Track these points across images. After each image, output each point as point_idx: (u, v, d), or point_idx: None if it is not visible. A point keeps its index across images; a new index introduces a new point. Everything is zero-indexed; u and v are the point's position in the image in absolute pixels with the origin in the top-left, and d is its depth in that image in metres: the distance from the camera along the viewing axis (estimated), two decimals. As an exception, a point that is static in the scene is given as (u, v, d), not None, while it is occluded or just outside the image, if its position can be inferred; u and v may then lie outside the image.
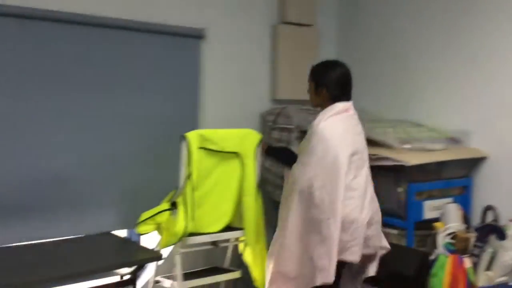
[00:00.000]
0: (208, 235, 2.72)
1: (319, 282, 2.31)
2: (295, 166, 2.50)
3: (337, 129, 2.43)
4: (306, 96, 3.53)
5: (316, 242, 2.31)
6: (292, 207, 2.41)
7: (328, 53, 3.82)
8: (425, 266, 2.53)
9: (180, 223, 2.52)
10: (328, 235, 2.27)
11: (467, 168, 2.97)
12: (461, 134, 3.00)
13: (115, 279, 2.65)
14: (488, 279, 2.41)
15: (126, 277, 2.61)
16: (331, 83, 2.48)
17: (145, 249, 2.66)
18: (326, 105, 2.49)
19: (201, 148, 2.66)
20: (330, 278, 2.26)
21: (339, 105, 2.48)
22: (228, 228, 2.82)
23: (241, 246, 2.86)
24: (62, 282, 2.23)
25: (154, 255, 2.53)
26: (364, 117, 3.50)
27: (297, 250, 2.39)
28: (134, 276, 2.59)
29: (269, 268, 2.50)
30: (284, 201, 2.53)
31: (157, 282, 2.77)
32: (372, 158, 2.80)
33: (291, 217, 2.41)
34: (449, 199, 2.83)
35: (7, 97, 2.53)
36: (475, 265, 2.45)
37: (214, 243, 2.77)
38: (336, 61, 2.58)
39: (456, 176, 2.94)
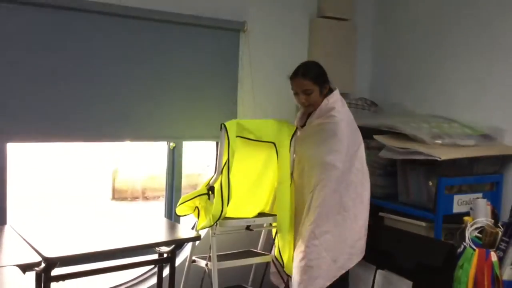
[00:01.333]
0: (242, 220, 2.86)
1: (355, 262, 2.61)
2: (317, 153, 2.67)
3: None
4: (341, 88, 3.66)
5: (350, 224, 2.56)
6: (324, 194, 2.56)
7: (364, 47, 3.89)
8: (452, 258, 2.60)
9: (217, 207, 2.66)
10: (360, 217, 2.59)
11: (498, 164, 3.01)
12: (494, 131, 3.03)
13: (153, 256, 2.83)
14: (514, 273, 2.47)
15: (165, 255, 2.79)
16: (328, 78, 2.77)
17: (184, 230, 2.82)
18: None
19: (238, 136, 2.80)
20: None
21: (338, 93, 2.77)
22: (262, 214, 2.96)
23: (274, 231, 2.99)
24: (102, 258, 2.40)
25: (192, 236, 2.68)
26: (398, 112, 3.59)
27: (332, 236, 2.56)
28: (173, 254, 2.75)
29: (299, 257, 2.62)
30: (304, 191, 2.71)
31: (193, 261, 2.93)
32: (403, 151, 2.88)
33: (324, 204, 2.56)
34: (479, 194, 2.88)
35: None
36: (501, 260, 2.51)
37: (248, 227, 2.90)
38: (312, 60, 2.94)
39: (487, 172, 2.99)
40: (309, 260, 2.61)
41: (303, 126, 2.88)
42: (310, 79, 2.73)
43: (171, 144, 3.23)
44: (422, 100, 3.54)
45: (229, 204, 2.79)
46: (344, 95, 3.67)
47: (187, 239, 2.61)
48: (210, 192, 2.76)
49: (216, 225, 2.75)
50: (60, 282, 2.57)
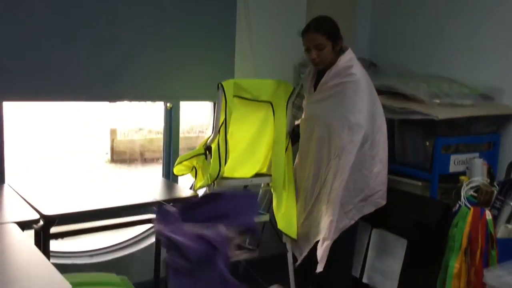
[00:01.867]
0: (239, 180, 2.88)
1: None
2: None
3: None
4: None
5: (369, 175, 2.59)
6: (352, 157, 2.54)
7: (363, 7, 3.83)
8: (448, 216, 2.63)
9: (214, 167, 2.67)
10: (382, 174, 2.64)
11: (496, 124, 3.01)
12: (492, 90, 3.02)
13: (152, 215, 2.86)
14: (507, 231, 2.50)
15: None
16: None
17: (181, 189, 2.84)
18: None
19: (235, 96, 2.78)
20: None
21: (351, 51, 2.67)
22: (260, 174, 2.97)
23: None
24: (100, 217, 2.43)
25: (191, 194, 2.70)
26: (398, 72, 3.56)
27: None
28: (171, 213, 2.78)
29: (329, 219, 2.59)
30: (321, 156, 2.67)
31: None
32: (401, 111, 2.87)
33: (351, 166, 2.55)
34: (476, 154, 2.89)
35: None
36: (496, 218, 2.54)
37: (245, 187, 2.92)
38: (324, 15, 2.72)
39: (485, 132, 2.99)
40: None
41: (315, 88, 2.76)
42: (323, 34, 2.60)
43: (168, 104, 3.21)
44: (422, 61, 3.51)
45: (226, 164, 2.81)
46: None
47: (185, 198, 2.62)
48: (207, 152, 2.77)
49: (214, 184, 2.76)
50: (59, 240, 2.62)
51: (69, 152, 7.67)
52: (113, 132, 7.69)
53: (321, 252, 2.55)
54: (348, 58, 2.64)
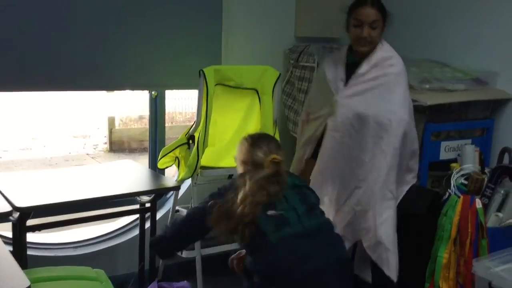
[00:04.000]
0: (223, 169, 2.81)
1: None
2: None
3: None
4: (331, 33, 3.51)
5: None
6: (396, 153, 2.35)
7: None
8: (437, 205, 2.54)
9: (194, 157, 2.61)
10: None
11: (489, 109, 2.91)
12: (486, 75, 2.91)
13: (135, 206, 2.81)
14: (498, 220, 2.42)
15: (147, 205, 2.76)
16: None
17: (165, 180, 2.78)
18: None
19: (218, 84, 2.70)
20: None
21: None
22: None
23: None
24: (80, 209, 2.38)
25: (172, 185, 2.64)
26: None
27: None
28: (154, 204, 2.73)
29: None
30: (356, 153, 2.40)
31: (177, 211, 2.91)
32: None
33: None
34: (468, 141, 2.80)
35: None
36: (486, 206, 2.46)
37: (230, 176, 2.86)
38: None
39: (478, 117, 2.89)
40: None
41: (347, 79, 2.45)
42: (380, 11, 2.37)
43: (153, 93, 3.14)
44: (415, 44, 3.39)
45: (211, 153, 2.74)
46: (332, 40, 3.56)
47: (166, 188, 2.57)
48: (190, 141, 2.70)
49: (198, 175, 2.70)
50: (42, 232, 2.58)
51: (64, 141, 7.66)
52: (111, 121, 7.66)
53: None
54: (388, 48, 2.46)
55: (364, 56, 2.42)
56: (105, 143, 7.80)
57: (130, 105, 7.56)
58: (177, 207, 2.92)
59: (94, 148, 7.82)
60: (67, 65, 2.71)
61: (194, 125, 2.69)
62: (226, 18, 3.19)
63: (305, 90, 3.22)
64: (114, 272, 2.89)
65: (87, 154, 7.55)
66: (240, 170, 2.11)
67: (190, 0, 3.03)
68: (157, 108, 3.14)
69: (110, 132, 7.64)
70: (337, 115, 2.43)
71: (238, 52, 3.28)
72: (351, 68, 2.46)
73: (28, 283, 1.47)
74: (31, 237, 2.79)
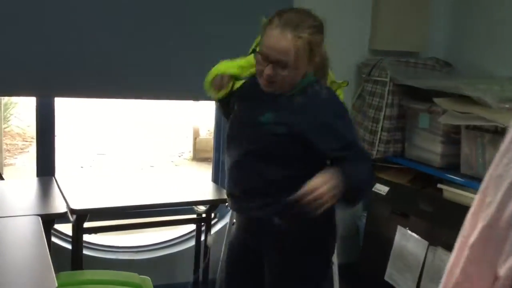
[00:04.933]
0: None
1: None
2: None
3: None
4: (409, 47, 3.31)
5: None
6: None
7: (438, 3, 3.47)
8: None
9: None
10: None
11: None
12: None
13: (192, 216, 2.82)
14: None
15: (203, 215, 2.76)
16: None
17: (222, 191, 2.75)
18: None
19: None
20: None
21: None
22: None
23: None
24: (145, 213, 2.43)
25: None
26: (475, 74, 3.20)
27: None
28: (209, 214, 2.71)
29: None
30: None
31: (233, 224, 2.86)
32: (465, 117, 2.56)
33: None
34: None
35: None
36: None
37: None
38: None
39: None
40: None
41: None
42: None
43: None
44: (503, 61, 3.11)
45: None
46: (414, 54, 3.36)
47: (218, 200, 2.54)
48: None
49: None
50: (93, 235, 2.66)
51: (149, 150, 7.97)
52: (196, 131, 7.86)
53: None
54: None
55: None
56: (190, 151, 8.00)
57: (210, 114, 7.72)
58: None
59: (179, 156, 8.04)
60: (132, 73, 2.77)
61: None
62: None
63: (375, 106, 3.07)
64: (169, 280, 2.93)
65: (172, 161, 7.79)
66: None
67: (258, 9, 2.98)
68: (221, 118, 3.14)
69: (195, 141, 7.83)
70: None
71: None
72: None
73: (54, 286, 1.49)
74: (93, 238, 2.90)
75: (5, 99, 7.05)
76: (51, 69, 2.61)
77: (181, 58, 2.85)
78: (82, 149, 7.73)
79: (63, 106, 8.58)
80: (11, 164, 6.98)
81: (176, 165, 7.62)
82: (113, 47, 2.71)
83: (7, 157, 7.07)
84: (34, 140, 2.85)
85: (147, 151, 7.99)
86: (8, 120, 7.77)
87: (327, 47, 3.16)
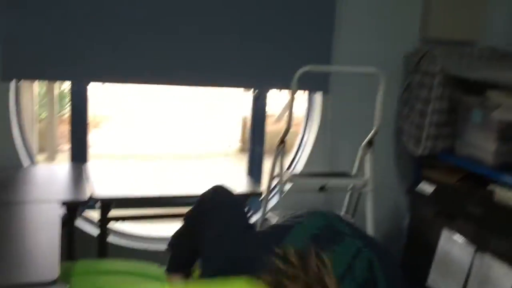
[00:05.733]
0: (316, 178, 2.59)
1: None
2: None
3: None
4: (465, 35, 3.07)
5: None
6: None
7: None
8: None
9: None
10: None
11: None
12: None
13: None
14: None
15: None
16: None
17: (250, 184, 2.65)
18: None
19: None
20: None
21: None
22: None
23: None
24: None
25: (249, 192, 2.53)
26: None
27: None
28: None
29: None
30: None
31: (265, 219, 2.76)
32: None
33: None
34: None
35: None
36: None
37: (322, 188, 2.61)
38: None
39: None
40: None
41: None
42: None
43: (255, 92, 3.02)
44: None
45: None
46: (469, 43, 3.10)
47: (251, 193, 2.44)
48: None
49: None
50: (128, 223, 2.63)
51: (197, 140, 7.98)
52: (244, 121, 7.76)
53: None
54: None
55: None
56: (229, 145, 7.96)
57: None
58: (268, 214, 2.77)
59: (229, 146, 8.01)
60: (165, 60, 2.70)
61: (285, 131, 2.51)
62: (339, 12, 2.93)
63: (423, 99, 2.84)
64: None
65: (220, 152, 7.76)
66: None
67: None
68: (258, 109, 3.02)
69: (243, 131, 7.76)
70: None
71: (350, 52, 3.00)
72: None
73: (55, 276, 1.43)
74: (127, 227, 2.88)
75: (62, 87, 7.25)
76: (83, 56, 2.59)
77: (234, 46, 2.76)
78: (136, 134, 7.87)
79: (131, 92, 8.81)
80: (67, 150, 7.18)
81: (224, 156, 7.60)
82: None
83: (63, 143, 7.27)
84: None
85: (198, 140, 8.02)
86: (65, 108, 7.99)
87: (372, 32, 3.00)
